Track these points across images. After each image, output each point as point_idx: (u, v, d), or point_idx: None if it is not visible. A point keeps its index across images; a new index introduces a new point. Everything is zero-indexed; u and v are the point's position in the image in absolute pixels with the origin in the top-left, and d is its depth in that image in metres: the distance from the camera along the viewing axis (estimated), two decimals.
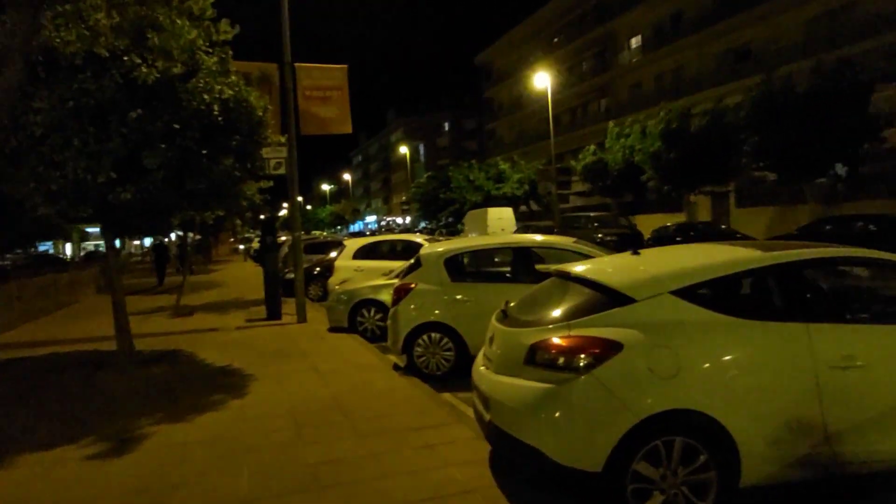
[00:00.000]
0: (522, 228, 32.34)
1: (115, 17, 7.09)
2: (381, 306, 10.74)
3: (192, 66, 7.84)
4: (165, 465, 4.99)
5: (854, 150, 21.49)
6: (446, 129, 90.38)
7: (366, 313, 10.88)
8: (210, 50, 8.26)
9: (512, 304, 4.74)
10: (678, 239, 23.26)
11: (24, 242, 33.81)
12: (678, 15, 40.68)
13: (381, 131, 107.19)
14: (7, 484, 4.78)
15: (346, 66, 12.93)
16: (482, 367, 4.54)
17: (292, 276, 15.79)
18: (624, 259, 4.54)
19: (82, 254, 44.19)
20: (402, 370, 7.99)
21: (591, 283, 4.11)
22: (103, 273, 22.23)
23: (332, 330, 11.25)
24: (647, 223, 31.16)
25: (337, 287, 11.85)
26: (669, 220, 31.59)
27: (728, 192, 31.04)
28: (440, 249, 8.13)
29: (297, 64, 12.49)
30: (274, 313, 13.06)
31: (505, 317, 4.54)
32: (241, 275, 29.31)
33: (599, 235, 24.64)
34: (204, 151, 7.80)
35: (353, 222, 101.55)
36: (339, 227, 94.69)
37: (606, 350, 3.65)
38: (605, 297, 3.94)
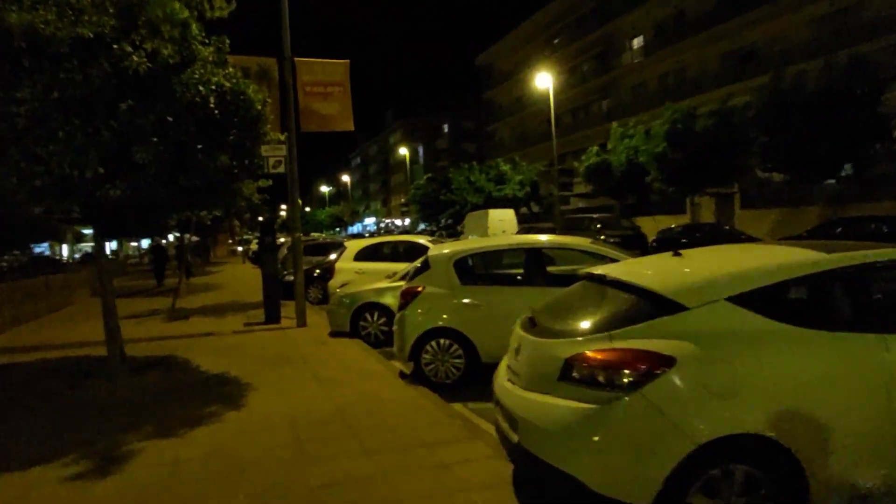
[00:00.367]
0: (524, 230, 31.92)
1: None
2: (384, 310, 10.28)
3: (187, 55, 7.38)
4: (154, 486, 4.53)
5: (864, 151, 21.07)
6: (445, 130, 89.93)
7: (369, 317, 10.41)
8: (206, 40, 7.83)
9: (539, 311, 4.27)
10: (684, 241, 22.79)
11: (20, 244, 33.40)
12: (681, 15, 40.31)
13: (379, 133, 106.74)
14: None
15: (347, 61, 12.47)
16: (506, 382, 4.08)
17: (291, 278, 15.33)
18: (665, 261, 4.08)
19: (78, 255, 43.67)
20: (408, 378, 7.52)
21: (633, 287, 3.65)
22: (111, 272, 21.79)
23: (334, 334, 10.78)
24: (649, 225, 30.74)
25: (338, 290, 11.38)
26: (672, 221, 31.15)
27: (733, 194, 30.61)
28: (449, 251, 7.67)
29: (297, 59, 12.03)
30: (273, 317, 12.59)
31: (532, 325, 4.08)
32: (239, 276, 28.83)
33: (602, 237, 24.19)
34: (199, 146, 7.33)
35: (352, 224, 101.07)
36: (337, 229, 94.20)
37: (657, 365, 3.19)
38: (651, 304, 3.49)
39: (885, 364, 3.25)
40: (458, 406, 6.54)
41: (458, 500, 4.07)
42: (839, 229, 17.78)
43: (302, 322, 11.97)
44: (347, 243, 15.90)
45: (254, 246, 43.50)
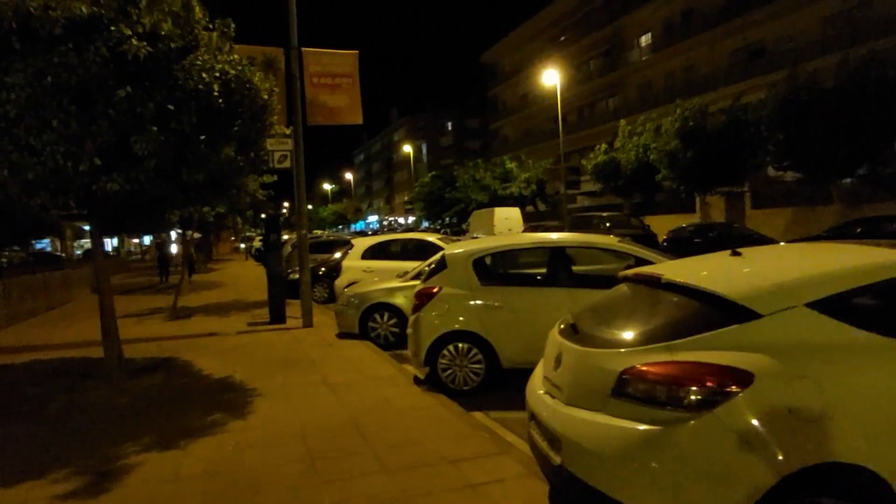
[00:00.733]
0: (530, 229, 31.47)
1: None
2: (395, 311, 9.85)
3: (190, 39, 6.96)
4: None
5: (882, 149, 20.58)
6: (450, 128, 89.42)
7: (379, 318, 9.97)
8: (210, 25, 7.41)
9: (581, 316, 3.84)
10: (697, 240, 22.36)
11: (21, 240, 33.01)
12: (689, 12, 39.80)
13: (383, 130, 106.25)
14: None
15: (356, 51, 12.03)
16: (545, 395, 3.64)
17: (296, 276, 14.92)
18: (725, 261, 3.63)
19: (79, 252, 43.29)
20: (424, 384, 7.08)
21: (694, 291, 3.20)
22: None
23: (342, 336, 10.35)
24: (658, 224, 30.22)
25: (346, 290, 10.94)
26: (682, 220, 30.64)
27: (743, 193, 30.11)
28: (468, 249, 7.23)
29: (304, 48, 11.59)
30: (278, 317, 12.15)
31: (575, 332, 3.63)
32: (242, 274, 28.46)
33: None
34: (202, 137, 6.92)
35: (356, 222, 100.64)
36: (340, 227, 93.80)
37: (732, 382, 2.75)
38: (717, 311, 3.04)
39: None
40: (478, 415, 6.11)
41: None
42: (859, 229, 17.29)
43: (308, 322, 11.55)
44: (355, 241, 15.49)
45: (257, 243, 43.20)
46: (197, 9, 6.90)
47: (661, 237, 25.15)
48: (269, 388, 7.07)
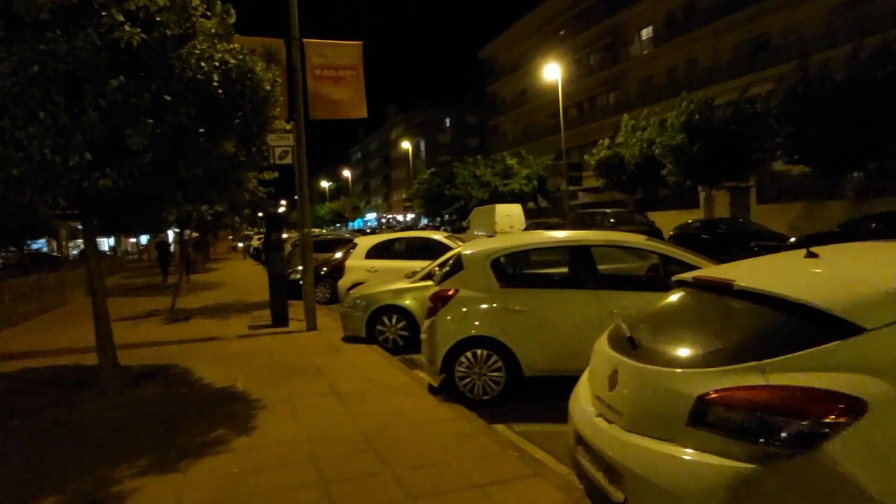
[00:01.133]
0: (533, 226, 31.02)
1: None
2: (404, 313, 9.41)
3: (187, 27, 6.49)
4: None
5: (892, 143, 20.13)
6: (448, 125, 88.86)
7: (387, 321, 9.51)
8: (208, 13, 6.94)
9: (635, 326, 3.38)
10: (704, 236, 21.92)
11: (14, 240, 32.48)
12: (691, 5, 39.30)
13: (381, 127, 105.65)
14: None
15: (360, 42, 11.54)
16: (598, 419, 3.19)
17: (297, 276, 14.47)
18: (804, 263, 3.16)
19: (75, 252, 42.71)
20: (439, 393, 6.62)
21: (779, 301, 2.73)
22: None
23: (348, 339, 9.90)
24: (662, 220, 29.79)
25: (352, 291, 10.48)
26: (685, 216, 30.20)
27: (749, 188, 29.68)
28: (486, 248, 6.76)
29: (306, 40, 11.10)
30: (280, 319, 11.68)
31: (633, 346, 3.17)
32: (240, 274, 28.01)
33: None
34: (201, 130, 6.46)
35: (353, 220, 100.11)
36: (338, 225, 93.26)
37: (841, 411, 2.31)
38: (810, 324, 2.59)
39: None
40: (500, 428, 5.67)
41: None
42: (874, 224, 16.83)
43: (312, 325, 11.08)
44: (358, 240, 15.00)
45: (255, 242, 42.68)
46: None
47: (667, 233, 24.70)
48: (274, 400, 6.61)
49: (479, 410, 6.12)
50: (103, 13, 5.70)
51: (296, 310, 11.96)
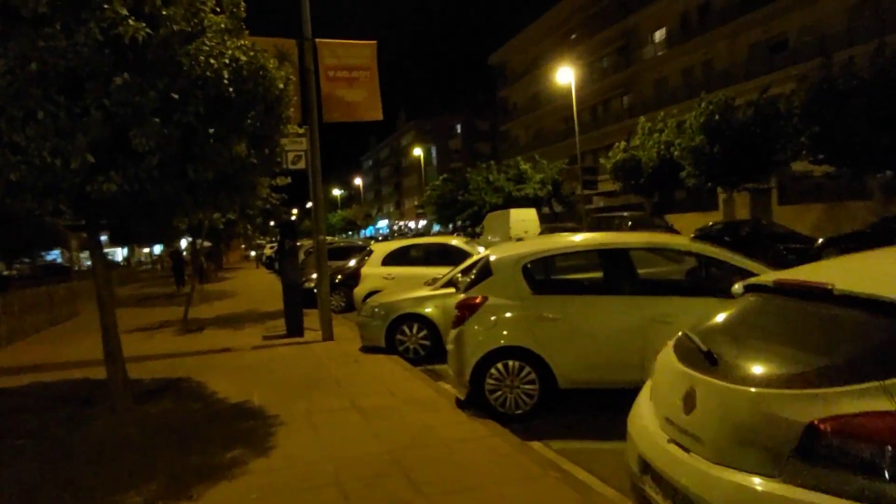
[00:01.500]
0: (548, 230, 30.53)
1: None
2: (426, 322, 8.99)
3: (196, 23, 6.14)
4: None
5: None
6: (458, 131, 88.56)
7: (407, 330, 9.09)
8: (218, 8, 6.59)
9: (710, 338, 2.93)
10: (726, 238, 21.36)
11: (28, 251, 32.42)
12: (706, 6, 38.77)
13: (391, 134, 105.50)
14: None
15: (375, 42, 11.17)
16: (672, 445, 2.74)
17: (310, 285, 14.10)
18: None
19: (89, 263, 42.68)
20: (467, 407, 6.16)
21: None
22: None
23: (366, 350, 9.48)
24: (680, 223, 29.21)
25: (370, 300, 10.06)
26: (703, 219, 29.61)
27: (770, 189, 29.06)
28: (517, 252, 6.33)
29: (318, 40, 10.74)
30: (295, 329, 11.27)
31: (713, 361, 2.72)
32: (253, 283, 27.72)
33: None
34: (210, 130, 6.07)
35: (365, 227, 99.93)
36: (349, 233, 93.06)
37: None
38: None
39: None
40: (537, 445, 5.24)
41: None
42: None
43: (328, 335, 10.67)
44: (374, 246, 14.60)
45: (268, 251, 42.47)
46: None
47: (690, 236, 24.13)
48: (292, 416, 6.20)
49: (511, 426, 5.68)
50: (105, 7, 5.33)
51: (311, 319, 11.57)
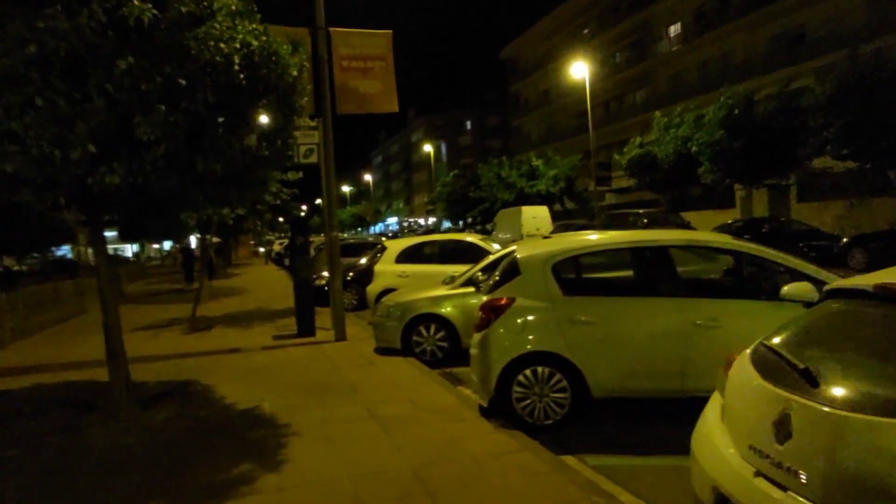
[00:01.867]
0: (561, 228, 30.05)
1: None
2: (444, 322, 8.60)
3: (206, 6, 5.74)
4: None
5: None
6: (469, 127, 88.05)
7: (424, 331, 8.70)
8: None
9: (802, 353, 2.51)
10: (747, 236, 20.85)
11: (37, 247, 32.23)
12: None
13: (401, 130, 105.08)
14: None
15: (390, 31, 10.77)
16: (760, 480, 2.33)
17: (322, 282, 13.74)
18: None
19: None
20: (493, 416, 5.76)
21: None
22: (115, 280, 20.46)
23: (381, 351, 9.10)
24: (696, 220, 28.68)
25: (385, 299, 9.66)
26: (720, 216, 29.08)
27: (789, 186, 28.45)
28: (546, 250, 5.91)
29: (332, 29, 10.35)
30: (307, 329, 10.89)
31: (814, 382, 2.30)
32: (262, 279, 27.44)
33: None
34: (220, 120, 5.69)
35: (375, 224, 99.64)
36: (359, 229, 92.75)
37: None
38: None
39: None
40: (571, 461, 4.83)
41: None
42: None
43: (341, 335, 10.30)
44: (388, 243, 14.21)
45: (277, 247, 42.20)
46: None
47: None
48: (305, 425, 5.82)
49: (540, 437, 5.29)
50: None
51: (322, 318, 11.20)
